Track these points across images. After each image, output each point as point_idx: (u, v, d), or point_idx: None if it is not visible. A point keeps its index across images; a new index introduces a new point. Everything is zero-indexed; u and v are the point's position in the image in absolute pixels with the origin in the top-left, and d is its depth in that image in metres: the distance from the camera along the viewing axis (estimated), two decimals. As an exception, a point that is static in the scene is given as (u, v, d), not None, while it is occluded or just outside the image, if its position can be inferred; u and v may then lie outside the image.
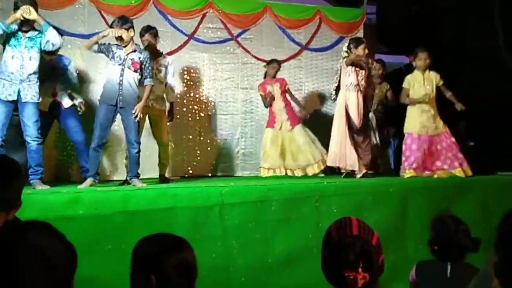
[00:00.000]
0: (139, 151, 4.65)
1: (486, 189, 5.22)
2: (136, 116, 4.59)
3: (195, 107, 6.71)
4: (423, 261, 2.72)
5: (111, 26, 4.65)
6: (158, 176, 5.45)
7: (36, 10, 4.31)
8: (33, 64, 4.37)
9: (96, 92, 5.73)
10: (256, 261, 4.06)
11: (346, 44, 5.65)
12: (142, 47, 4.95)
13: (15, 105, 4.38)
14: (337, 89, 5.75)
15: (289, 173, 6.09)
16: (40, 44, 4.40)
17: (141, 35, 5.22)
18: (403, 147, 5.69)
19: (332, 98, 6.19)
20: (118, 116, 4.73)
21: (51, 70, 5.07)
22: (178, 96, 6.27)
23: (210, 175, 6.64)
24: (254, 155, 6.79)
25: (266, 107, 6.34)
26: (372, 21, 7.79)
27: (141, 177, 4.81)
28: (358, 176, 5.42)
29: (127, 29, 4.57)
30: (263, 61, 6.64)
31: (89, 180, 4.52)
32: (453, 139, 5.65)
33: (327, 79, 7.24)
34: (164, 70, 5.37)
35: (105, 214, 3.67)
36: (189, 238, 1.78)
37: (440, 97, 5.75)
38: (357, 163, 5.40)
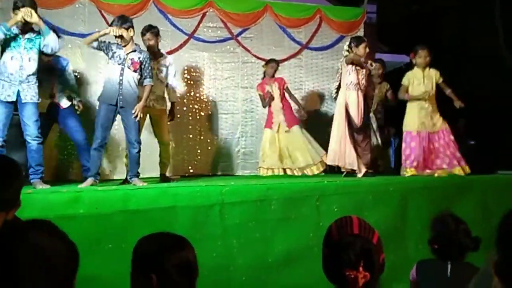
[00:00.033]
0: (139, 151, 4.65)
1: (486, 189, 5.21)
2: (136, 116, 4.59)
3: (195, 106, 6.71)
4: (423, 260, 2.72)
5: (110, 26, 4.65)
6: (158, 176, 5.45)
7: (36, 11, 4.31)
8: (32, 65, 4.37)
9: (96, 91, 5.72)
10: (256, 260, 4.05)
11: (347, 43, 5.65)
12: (141, 47, 4.95)
13: (14, 106, 4.38)
14: (339, 88, 5.75)
15: (289, 172, 6.10)
16: (39, 45, 4.40)
17: (143, 34, 5.21)
18: (403, 145, 5.70)
19: (333, 97, 6.20)
20: (118, 116, 4.73)
21: (49, 71, 5.06)
22: (179, 96, 6.27)
23: (210, 174, 6.64)
24: (254, 154, 6.79)
25: (264, 107, 6.35)
26: (372, 20, 7.79)
27: (142, 176, 4.81)
28: (359, 175, 5.42)
29: (127, 29, 4.57)
30: (263, 60, 6.63)
31: (90, 180, 4.52)
32: (451, 136, 5.65)
33: (327, 79, 7.24)
34: (165, 70, 5.36)
35: (106, 214, 3.67)
36: (190, 237, 1.78)
37: (440, 94, 5.76)
38: (356, 162, 5.40)
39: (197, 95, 6.72)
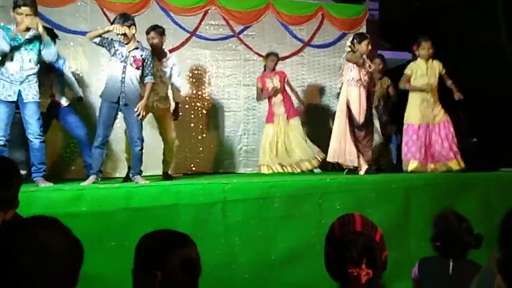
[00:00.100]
0: (142, 149, 4.65)
1: (488, 186, 5.20)
2: (139, 114, 4.59)
3: (198, 104, 6.71)
4: (425, 258, 2.72)
5: (112, 24, 4.65)
6: (161, 173, 5.46)
7: (36, 9, 4.32)
8: (33, 66, 4.38)
9: (98, 89, 5.71)
10: (258, 258, 4.06)
11: (350, 39, 5.64)
12: (143, 44, 4.94)
13: (16, 104, 4.38)
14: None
15: (289, 169, 6.10)
16: (39, 45, 4.40)
17: (147, 33, 5.20)
18: (405, 137, 5.71)
19: (338, 93, 6.19)
20: (120, 114, 4.73)
21: (47, 71, 5.06)
22: (184, 96, 6.25)
23: (212, 172, 6.65)
24: (256, 152, 6.78)
25: (258, 100, 6.38)
26: (374, 17, 7.78)
27: (144, 174, 4.82)
28: (361, 173, 5.42)
29: (129, 26, 4.57)
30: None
31: (92, 178, 4.53)
32: (451, 129, 5.66)
33: (329, 76, 7.24)
34: (169, 71, 5.32)
35: (108, 211, 3.68)
36: (192, 235, 1.78)
37: (441, 87, 5.76)
38: (357, 159, 5.40)
39: (199, 93, 6.72)
